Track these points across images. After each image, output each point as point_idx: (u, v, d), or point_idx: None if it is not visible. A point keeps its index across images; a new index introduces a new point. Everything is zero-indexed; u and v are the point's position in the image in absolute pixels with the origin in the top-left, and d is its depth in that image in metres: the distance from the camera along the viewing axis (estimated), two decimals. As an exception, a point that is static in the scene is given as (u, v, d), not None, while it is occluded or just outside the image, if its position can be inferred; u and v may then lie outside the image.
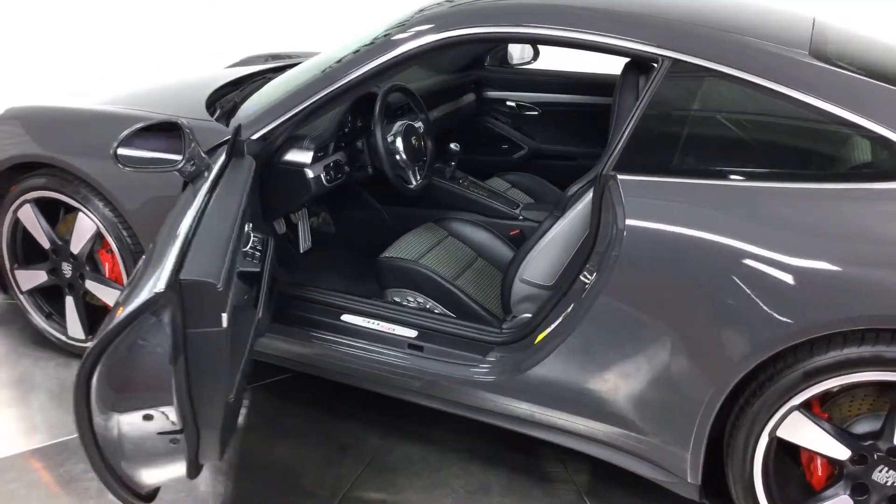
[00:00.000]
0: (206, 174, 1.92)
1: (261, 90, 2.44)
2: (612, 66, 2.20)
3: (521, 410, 2.06)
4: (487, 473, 2.23)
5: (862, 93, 1.74)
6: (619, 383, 1.89)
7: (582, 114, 3.42)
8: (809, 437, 1.73)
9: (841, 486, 1.74)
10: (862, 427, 1.74)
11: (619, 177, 1.81)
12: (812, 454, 1.80)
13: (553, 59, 3.42)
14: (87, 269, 2.53)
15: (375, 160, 2.52)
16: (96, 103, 2.63)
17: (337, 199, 2.94)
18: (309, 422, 2.44)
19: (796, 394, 1.69)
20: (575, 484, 2.21)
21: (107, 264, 2.54)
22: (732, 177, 1.77)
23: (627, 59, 2.04)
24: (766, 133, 1.87)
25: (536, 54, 3.74)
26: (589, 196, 2.01)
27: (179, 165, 1.89)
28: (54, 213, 2.58)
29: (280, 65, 3.13)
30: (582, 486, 2.20)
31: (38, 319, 2.72)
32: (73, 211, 2.49)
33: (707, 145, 1.88)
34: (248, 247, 1.94)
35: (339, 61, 2.16)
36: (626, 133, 1.84)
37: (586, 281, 1.92)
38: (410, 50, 2.07)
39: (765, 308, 1.64)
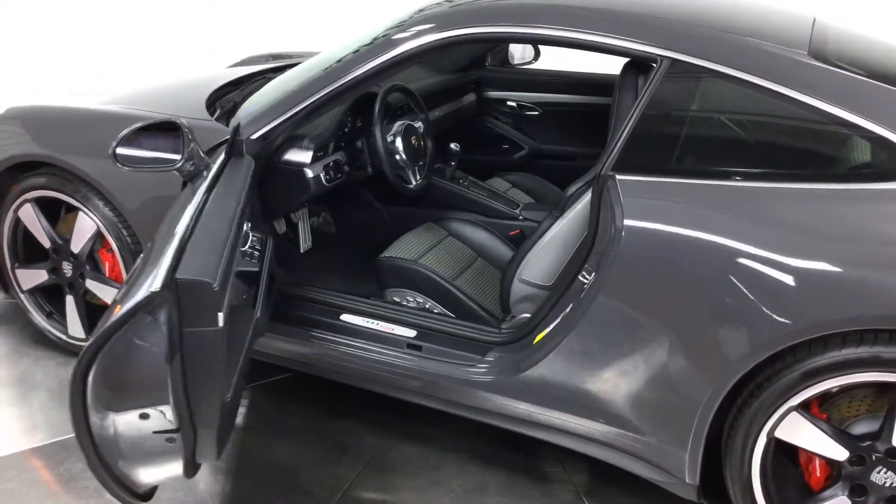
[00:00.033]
0: (204, 174, 1.93)
1: (261, 90, 2.44)
2: (613, 66, 2.20)
3: (519, 410, 2.06)
4: (486, 473, 2.23)
5: (861, 93, 1.74)
6: (617, 383, 1.89)
7: (582, 114, 3.42)
8: (807, 438, 1.73)
9: (839, 487, 1.73)
10: (860, 428, 1.73)
11: (618, 177, 1.81)
12: (810, 455, 1.79)
13: (554, 60, 3.42)
14: (88, 268, 2.54)
15: (375, 160, 2.53)
16: (97, 103, 2.64)
17: (337, 198, 2.94)
18: (308, 421, 2.45)
19: (794, 394, 1.68)
20: (573, 484, 2.21)
21: (107, 263, 2.54)
22: (731, 177, 1.76)
23: (627, 60, 2.03)
24: (764, 133, 1.87)
25: (537, 54, 3.74)
26: (588, 196, 2.01)
27: (178, 165, 1.90)
28: (55, 213, 2.58)
29: (281, 65, 3.14)
30: (580, 487, 2.20)
31: (39, 318, 2.73)
32: (73, 210, 2.50)
33: (705, 145, 1.88)
34: (247, 246, 1.94)
35: (339, 61, 2.17)
36: (625, 133, 1.84)
37: (585, 281, 1.93)
38: (410, 49, 2.07)
39: (763, 308, 1.64)
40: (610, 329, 1.85)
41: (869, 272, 1.61)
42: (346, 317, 2.28)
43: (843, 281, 1.61)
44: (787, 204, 1.70)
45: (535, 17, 2.01)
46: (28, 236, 2.62)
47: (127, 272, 2.45)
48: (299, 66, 2.48)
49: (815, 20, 2.14)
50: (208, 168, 1.95)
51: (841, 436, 1.71)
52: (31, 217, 2.55)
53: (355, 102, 2.55)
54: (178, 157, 1.90)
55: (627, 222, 1.75)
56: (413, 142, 2.62)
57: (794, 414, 1.71)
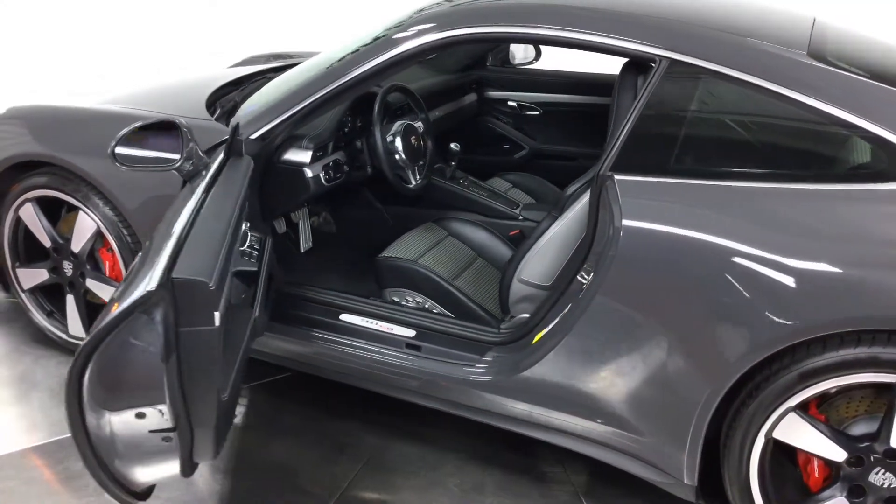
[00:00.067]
0: (203, 173, 1.93)
1: (260, 90, 2.44)
2: (615, 66, 2.20)
3: (518, 410, 2.06)
4: (484, 473, 2.23)
5: (860, 94, 1.74)
6: (615, 383, 1.88)
7: (583, 114, 3.41)
8: (805, 439, 1.72)
9: (837, 488, 1.73)
10: (859, 429, 1.73)
11: (616, 177, 1.81)
12: (809, 456, 1.79)
13: (555, 60, 3.42)
14: (88, 267, 2.55)
15: (374, 160, 2.53)
16: (97, 103, 2.64)
17: (337, 198, 2.94)
18: (307, 420, 2.45)
19: (792, 395, 1.68)
20: (572, 484, 2.21)
21: (107, 263, 2.55)
22: (729, 177, 1.76)
23: (626, 60, 2.03)
24: (763, 134, 1.86)
25: (538, 54, 3.73)
26: (587, 196, 2.01)
27: (177, 164, 1.90)
28: (56, 212, 2.59)
29: (281, 64, 3.14)
30: (579, 487, 2.20)
31: (40, 318, 2.74)
32: (73, 210, 2.50)
33: (704, 146, 1.87)
34: (245, 246, 1.94)
35: (338, 61, 2.17)
36: (624, 133, 1.84)
37: (583, 281, 1.92)
38: (410, 49, 2.07)
39: (761, 309, 1.64)
40: (608, 329, 1.85)
41: (867, 273, 1.60)
42: (345, 316, 2.28)
43: (841, 281, 1.61)
44: (786, 204, 1.70)
45: (535, 17, 2.01)
46: (29, 235, 2.63)
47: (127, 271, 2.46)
48: (299, 66, 2.49)
49: (815, 20, 2.14)
50: (207, 168, 1.96)
51: (839, 437, 1.70)
52: (31, 216, 2.56)
53: (355, 102, 2.55)
54: (177, 156, 1.90)
55: (626, 222, 1.75)
56: (413, 142, 2.62)
57: (792, 415, 1.71)
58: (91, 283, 2.55)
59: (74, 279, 2.58)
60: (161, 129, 1.94)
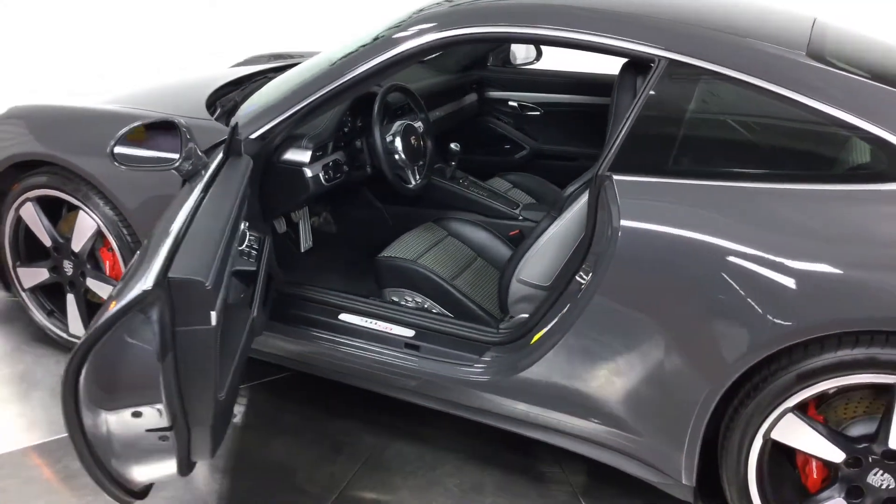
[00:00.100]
0: (202, 173, 1.93)
1: (261, 90, 2.44)
2: (616, 66, 2.19)
3: (516, 410, 2.06)
4: (483, 473, 2.23)
5: (860, 94, 1.73)
6: (613, 383, 1.88)
7: (584, 114, 3.41)
8: (803, 440, 1.72)
9: (836, 489, 1.73)
10: (857, 430, 1.72)
11: (615, 177, 1.81)
12: (807, 456, 1.78)
13: (557, 60, 3.42)
14: (88, 266, 2.55)
15: (374, 160, 2.53)
16: (97, 103, 2.65)
17: (338, 198, 2.94)
18: (306, 420, 2.45)
19: (790, 396, 1.68)
20: (571, 485, 2.21)
21: (107, 262, 2.55)
22: (727, 178, 1.75)
23: (625, 60, 2.03)
24: (761, 134, 1.86)
25: (539, 54, 3.73)
26: (586, 196, 2.01)
27: (176, 164, 1.90)
28: (56, 212, 2.60)
29: (283, 64, 3.14)
30: (577, 487, 2.20)
31: (40, 317, 2.74)
32: (74, 209, 2.51)
33: (703, 146, 1.87)
34: (244, 245, 1.94)
35: (338, 60, 2.17)
36: (622, 133, 1.84)
37: (582, 281, 1.92)
38: (409, 49, 2.07)
39: (759, 309, 1.64)
40: (606, 329, 1.85)
41: (866, 273, 1.60)
42: (344, 316, 2.28)
43: (840, 282, 1.60)
44: (784, 205, 1.69)
45: (535, 18, 2.01)
46: (29, 235, 2.64)
47: (127, 271, 2.46)
48: (299, 66, 2.49)
49: (815, 20, 2.14)
50: (206, 167, 1.96)
51: (837, 437, 1.70)
52: (32, 216, 2.57)
53: (355, 102, 2.55)
54: (176, 156, 1.91)
55: (624, 223, 1.75)
56: (412, 142, 2.62)
57: (790, 415, 1.71)
58: (91, 283, 2.56)
59: (75, 278, 2.59)
60: (160, 129, 1.94)
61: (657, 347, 1.79)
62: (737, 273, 1.65)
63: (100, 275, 2.55)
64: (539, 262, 2.17)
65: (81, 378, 1.46)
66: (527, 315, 2.19)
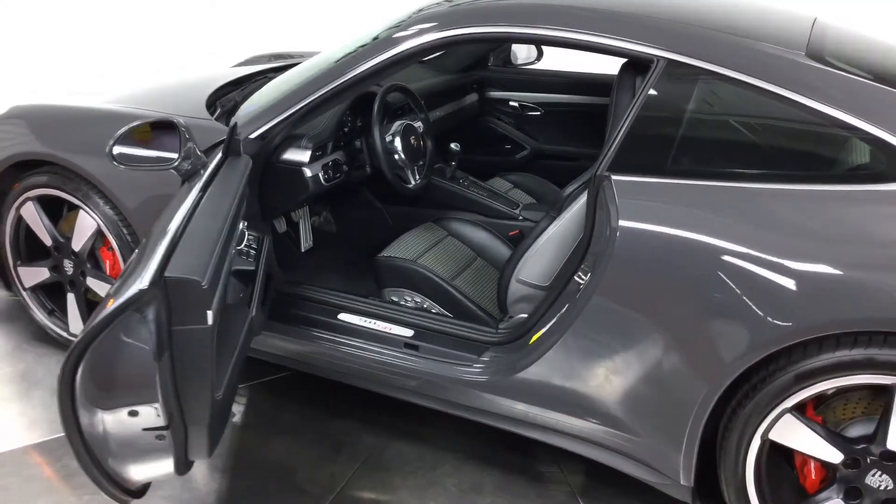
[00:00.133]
0: (201, 172, 1.93)
1: (260, 90, 2.45)
2: (617, 66, 2.19)
3: (515, 410, 2.06)
4: (482, 473, 2.23)
5: (859, 94, 1.73)
6: (612, 384, 1.88)
7: (585, 114, 3.41)
8: (801, 440, 1.72)
9: (834, 490, 1.73)
10: (856, 430, 1.72)
11: (613, 177, 1.81)
12: (805, 457, 1.78)
13: (558, 60, 3.41)
14: (89, 266, 2.56)
15: (374, 160, 2.53)
16: (98, 103, 2.65)
17: (337, 197, 2.95)
18: (306, 420, 2.45)
19: (788, 396, 1.68)
20: (569, 485, 2.21)
21: (108, 261, 2.56)
22: (726, 178, 1.75)
23: (625, 60, 2.03)
24: (760, 134, 1.86)
25: (540, 54, 3.73)
26: (585, 196, 2.00)
27: (175, 164, 1.91)
28: (57, 211, 2.60)
29: (283, 64, 3.14)
30: (576, 487, 2.19)
31: (41, 316, 2.75)
32: (74, 209, 2.51)
33: (701, 146, 1.87)
34: (243, 245, 1.94)
35: (338, 60, 2.17)
36: (621, 134, 1.83)
37: (581, 281, 1.92)
38: (409, 49, 2.07)
39: (757, 310, 1.63)
40: (605, 329, 1.85)
41: (865, 274, 1.60)
42: (343, 316, 2.28)
43: (839, 283, 1.60)
44: (783, 205, 1.69)
45: (534, 18, 2.01)
46: (30, 234, 2.64)
47: (127, 270, 2.47)
48: (299, 65, 2.49)
49: (815, 20, 2.13)
50: (205, 167, 1.96)
51: (835, 438, 1.70)
52: (32, 215, 2.57)
53: (355, 102, 2.56)
54: (174, 155, 1.91)
55: (622, 223, 1.75)
56: (412, 142, 2.63)
57: (788, 416, 1.70)
58: (91, 282, 2.56)
59: (75, 278, 2.59)
60: (159, 129, 1.94)
61: (655, 347, 1.79)
62: (735, 273, 1.65)
63: (100, 274, 2.55)
64: (538, 262, 2.17)
65: (78, 377, 1.46)
66: (526, 315, 2.19)
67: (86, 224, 2.48)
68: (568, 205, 2.11)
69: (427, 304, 2.41)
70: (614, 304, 1.82)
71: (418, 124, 2.71)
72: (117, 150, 1.88)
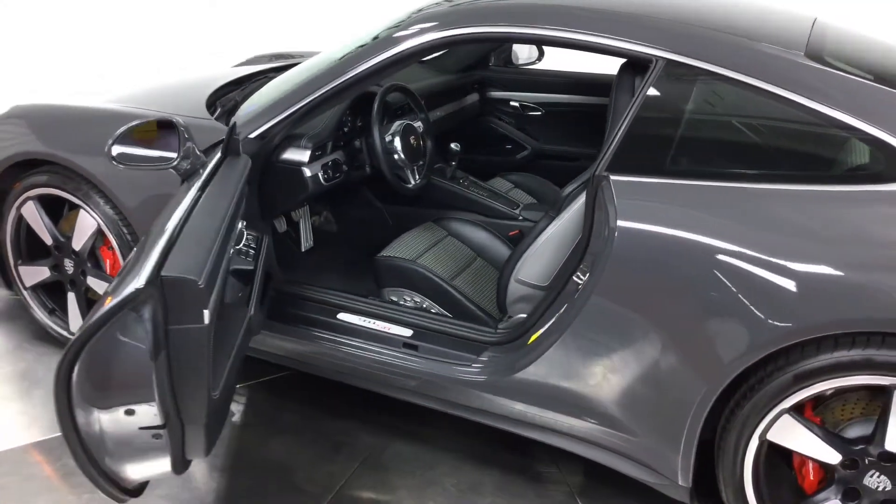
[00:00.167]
0: (200, 171, 1.94)
1: (260, 90, 2.45)
2: (617, 66, 2.19)
3: (514, 410, 2.06)
4: (481, 473, 2.23)
5: (858, 95, 1.73)
6: (610, 384, 1.88)
7: (585, 114, 3.41)
8: (799, 441, 1.71)
9: (832, 491, 1.72)
10: (854, 431, 1.72)
11: (612, 177, 1.81)
12: (803, 458, 1.78)
13: (558, 60, 3.41)
14: (89, 265, 2.56)
15: (373, 159, 2.54)
16: (98, 102, 2.65)
17: (337, 197, 2.95)
18: (305, 419, 2.45)
19: (786, 397, 1.68)
20: (568, 485, 2.20)
21: (108, 261, 2.57)
22: (725, 178, 1.75)
23: (624, 60, 2.03)
24: (759, 135, 1.85)
25: (541, 55, 3.73)
26: (584, 196, 2.00)
27: (174, 163, 1.91)
28: (58, 210, 2.61)
29: (283, 64, 3.15)
30: (575, 487, 2.19)
31: (41, 315, 2.76)
32: (75, 208, 2.52)
33: (700, 147, 1.87)
34: (241, 244, 1.95)
35: (338, 60, 2.17)
36: (620, 134, 1.83)
37: (579, 281, 1.92)
38: (408, 49, 2.07)
39: (756, 310, 1.63)
40: (603, 330, 1.85)
41: (864, 274, 1.60)
42: (343, 315, 2.28)
43: (838, 283, 1.60)
44: (781, 205, 1.69)
45: (534, 18, 2.01)
46: (30, 233, 2.65)
47: (127, 270, 2.47)
48: (298, 65, 2.49)
49: (815, 20, 2.13)
50: (204, 166, 1.96)
51: (833, 439, 1.69)
52: (33, 214, 2.58)
53: (355, 102, 2.56)
54: (174, 155, 1.91)
55: (621, 223, 1.75)
56: (412, 142, 2.63)
57: (786, 416, 1.70)
58: (92, 281, 2.57)
59: (75, 277, 2.60)
60: (158, 128, 1.94)
61: (654, 348, 1.79)
62: (734, 273, 1.65)
63: (100, 273, 2.56)
64: (537, 262, 2.17)
65: (74, 375, 1.46)
66: (525, 315, 2.19)
67: (86, 223, 2.48)
68: (567, 205, 2.11)
69: (426, 303, 2.42)
70: (613, 305, 1.82)
71: (418, 124, 2.71)
72: (116, 149, 1.88)
